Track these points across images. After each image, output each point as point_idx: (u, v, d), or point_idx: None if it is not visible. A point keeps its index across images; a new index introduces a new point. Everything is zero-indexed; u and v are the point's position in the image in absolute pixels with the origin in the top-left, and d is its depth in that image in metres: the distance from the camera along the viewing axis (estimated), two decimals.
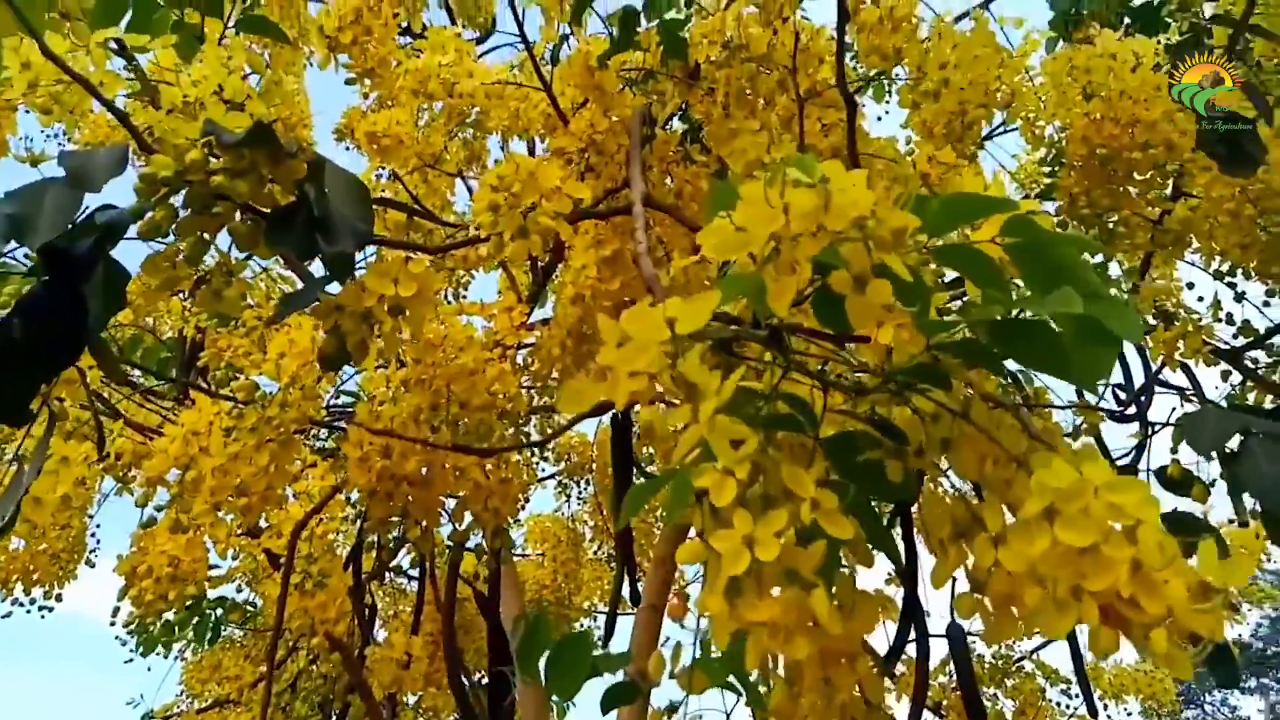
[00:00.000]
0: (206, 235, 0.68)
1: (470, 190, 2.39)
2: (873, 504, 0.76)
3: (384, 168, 1.66)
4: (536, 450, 2.58)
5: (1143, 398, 2.13)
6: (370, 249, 1.30)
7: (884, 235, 0.47)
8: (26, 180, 0.80)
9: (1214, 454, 0.98)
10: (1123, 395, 2.27)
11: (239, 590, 2.55)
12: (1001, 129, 2.15)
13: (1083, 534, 0.51)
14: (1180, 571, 0.51)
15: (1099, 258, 1.60)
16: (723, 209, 0.61)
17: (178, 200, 0.67)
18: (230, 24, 0.96)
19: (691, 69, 1.45)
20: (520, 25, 1.35)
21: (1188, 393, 1.61)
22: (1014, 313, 0.59)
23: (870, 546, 0.65)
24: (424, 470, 1.26)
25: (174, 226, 0.66)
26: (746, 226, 0.50)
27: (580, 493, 3.19)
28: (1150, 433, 1.95)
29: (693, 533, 0.59)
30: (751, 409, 0.60)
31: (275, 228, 0.69)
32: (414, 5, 1.07)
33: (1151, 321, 1.61)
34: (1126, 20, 2.20)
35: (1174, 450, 1.30)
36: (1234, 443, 1.01)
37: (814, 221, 0.47)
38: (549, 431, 2.63)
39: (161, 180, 0.64)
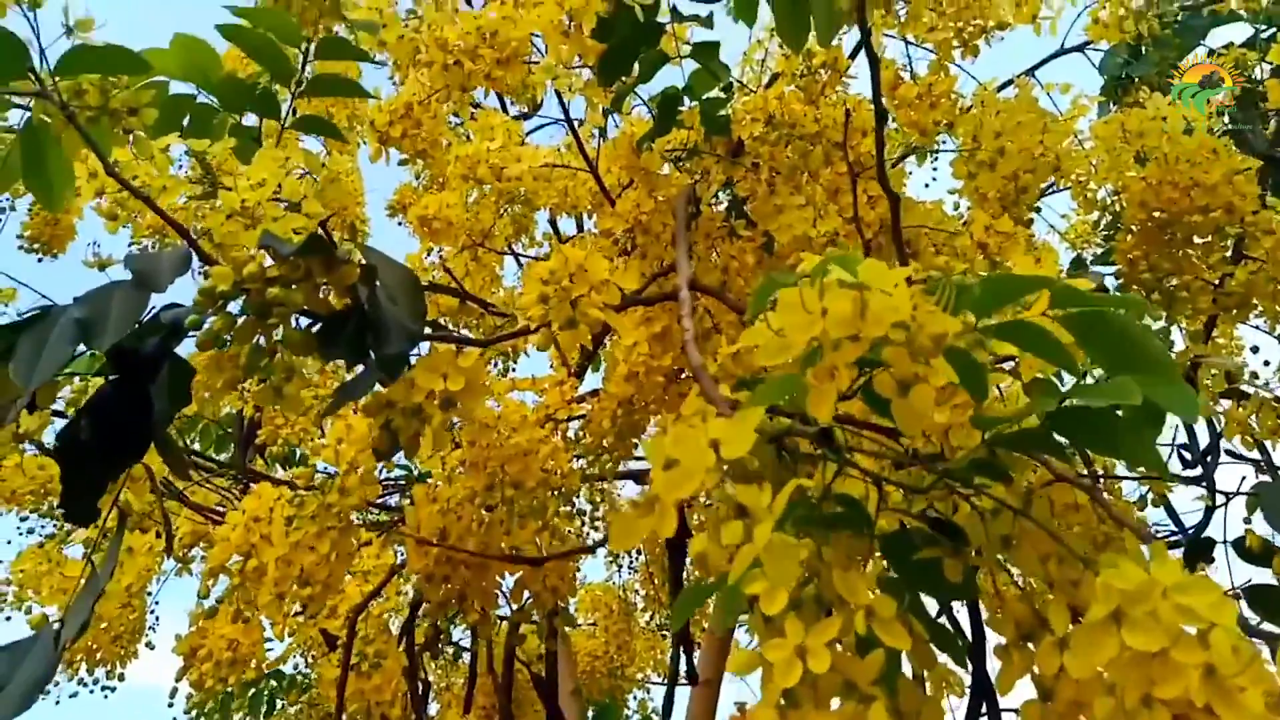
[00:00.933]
0: (263, 341, 0.69)
1: (519, 262, 2.43)
2: None
3: (435, 248, 1.70)
4: (587, 520, 2.57)
5: (1209, 458, 2.06)
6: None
7: (924, 342, 0.46)
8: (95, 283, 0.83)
9: None
10: (1188, 456, 2.20)
11: (294, 668, 2.56)
12: (1052, 189, 2.13)
13: (1152, 638, 0.49)
14: (1258, 678, 0.48)
15: (1160, 323, 1.56)
16: (767, 304, 0.61)
17: (235, 306, 0.69)
18: (286, 123, 1.00)
19: (735, 145, 1.47)
20: (565, 109, 1.38)
21: (1260, 464, 1.55)
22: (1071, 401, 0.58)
23: (932, 646, 0.64)
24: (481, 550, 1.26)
25: (231, 333, 0.68)
26: (785, 332, 0.50)
27: (631, 562, 3.15)
28: (1221, 501, 1.88)
29: (741, 633, 0.58)
30: (804, 509, 0.59)
31: (328, 336, 0.70)
32: (462, 99, 1.10)
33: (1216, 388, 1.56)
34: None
35: (1248, 520, 1.25)
36: None
37: (852, 328, 0.47)
38: (598, 499, 2.63)
39: (219, 294, 0.66)
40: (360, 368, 0.82)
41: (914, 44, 1.40)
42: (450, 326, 1.77)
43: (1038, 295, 0.59)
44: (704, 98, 1.35)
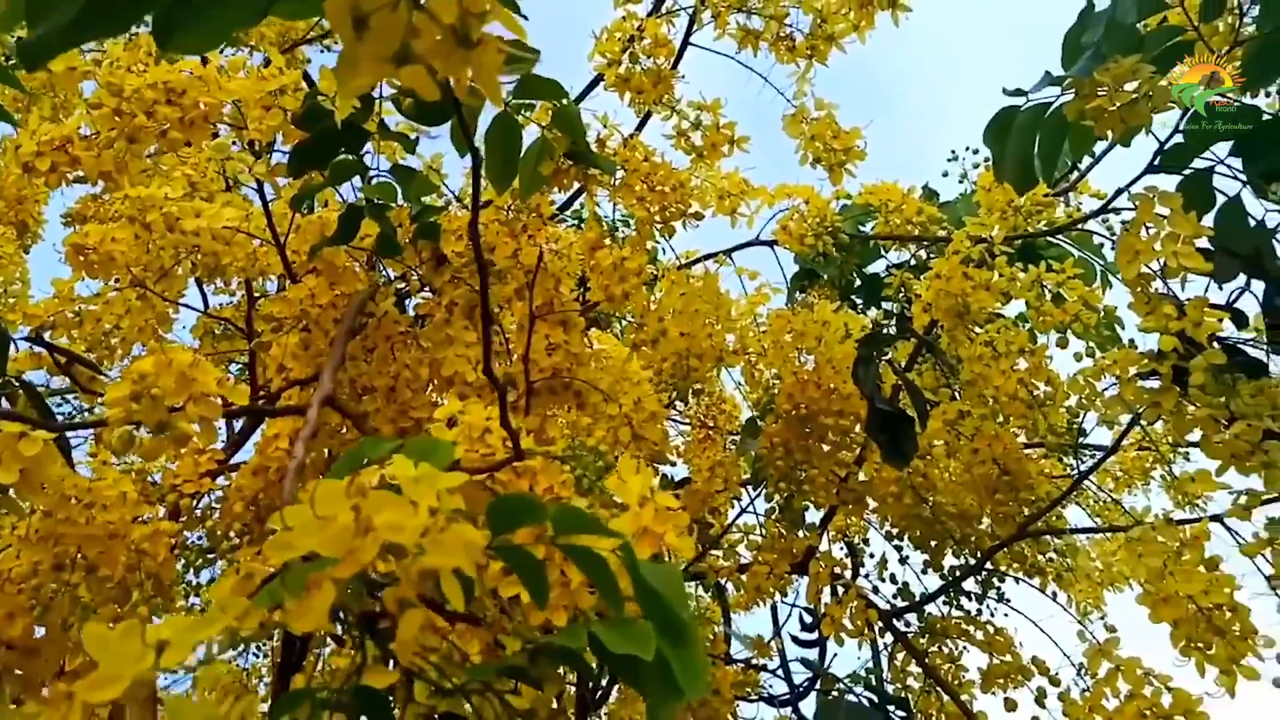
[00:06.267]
0: None
1: (208, 308, 2.26)
2: None
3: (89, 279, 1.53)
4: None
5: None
6: None
7: (412, 575, 0.46)
8: None
9: None
10: (808, 620, 2.40)
11: None
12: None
13: None
14: None
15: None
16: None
17: None
18: None
19: (438, 255, 1.46)
20: (260, 187, 1.31)
21: (826, 673, 1.71)
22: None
23: None
24: (37, 632, 1.11)
25: None
26: (294, 534, 0.48)
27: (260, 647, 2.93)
28: (821, 673, 2.05)
29: None
30: (328, 696, 0.57)
31: None
32: (130, 150, 1.01)
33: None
34: (859, 282, 2.44)
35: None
36: None
37: (347, 546, 0.46)
38: (236, 568, 2.44)
39: None
40: None
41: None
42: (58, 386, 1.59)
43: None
44: (419, 203, 1.34)
